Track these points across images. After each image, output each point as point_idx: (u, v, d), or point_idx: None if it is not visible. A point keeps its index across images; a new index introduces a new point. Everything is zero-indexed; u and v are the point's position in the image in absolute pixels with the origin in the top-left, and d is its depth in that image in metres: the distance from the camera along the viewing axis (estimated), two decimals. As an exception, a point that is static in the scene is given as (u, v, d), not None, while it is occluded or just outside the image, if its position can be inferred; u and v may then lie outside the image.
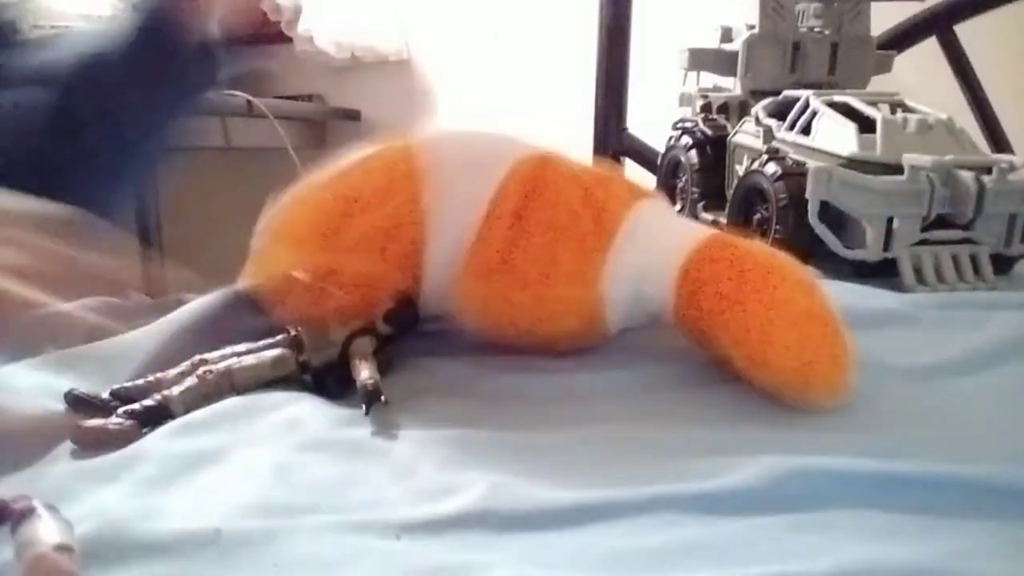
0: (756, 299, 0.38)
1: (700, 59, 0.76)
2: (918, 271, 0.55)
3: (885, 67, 0.76)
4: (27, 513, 0.23)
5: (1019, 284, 0.57)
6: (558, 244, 0.40)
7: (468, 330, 0.42)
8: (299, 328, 0.39)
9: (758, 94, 0.70)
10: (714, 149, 0.72)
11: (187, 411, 0.35)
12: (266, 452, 0.32)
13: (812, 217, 0.55)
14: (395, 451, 0.33)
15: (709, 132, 0.73)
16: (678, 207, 0.74)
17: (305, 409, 0.36)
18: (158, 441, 0.33)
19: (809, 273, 0.40)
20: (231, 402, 0.36)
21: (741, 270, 0.39)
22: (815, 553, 0.26)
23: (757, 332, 0.37)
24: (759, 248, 0.40)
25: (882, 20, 0.89)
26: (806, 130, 0.62)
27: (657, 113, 0.94)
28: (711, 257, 0.40)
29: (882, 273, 0.55)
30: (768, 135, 0.64)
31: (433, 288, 0.41)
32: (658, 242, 0.41)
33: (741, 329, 0.38)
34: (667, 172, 0.77)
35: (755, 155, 0.63)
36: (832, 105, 0.61)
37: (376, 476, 0.31)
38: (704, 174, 0.72)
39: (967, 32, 1.10)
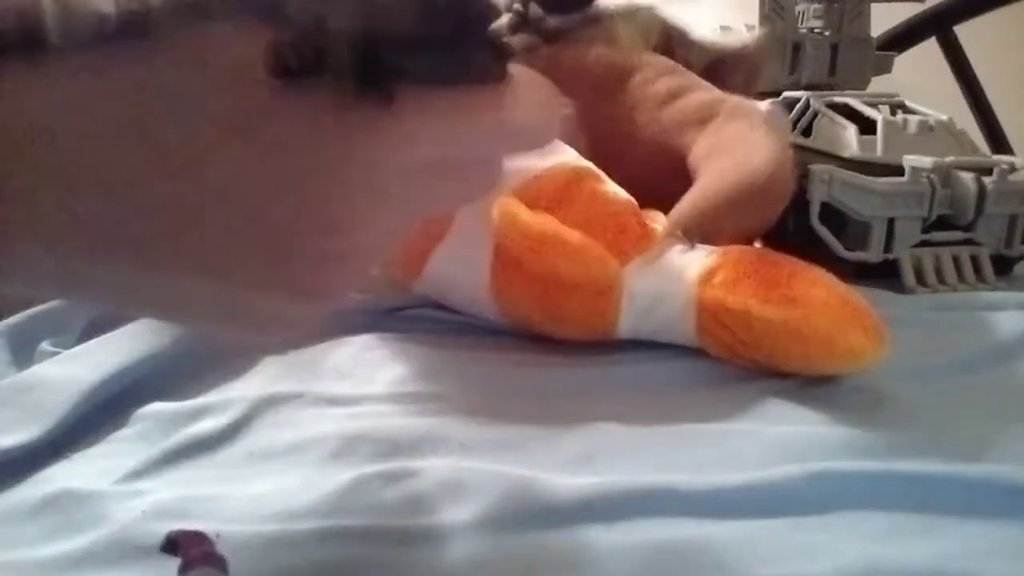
0: (785, 268, 0.40)
1: (700, 60, 0.76)
2: (919, 272, 0.55)
3: (885, 68, 0.76)
4: (194, 562, 0.22)
5: (1020, 285, 0.57)
6: (596, 227, 0.42)
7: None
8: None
9: (758, 95, 0.70)
10: (714, 150, 0.72)
11: None
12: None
13: (813, 219, 0.55)
14: (394, 449, 0.33)
15: (709, 133, 0.72)
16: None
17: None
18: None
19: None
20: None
21: (763, 263, 0.40)
22: (815, 553, 0.26)
23: (786, 282, 0.39)
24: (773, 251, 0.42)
25: (882, 21, 0.89)
26: (806, 131, 0.62)
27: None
28: (734, 259, 0.41)
29: (883, 274, 0.55)
30: (768, 136, 0.63)
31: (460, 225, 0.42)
32: (684, 254, 0.43)
33: (770, 284, 0.39)
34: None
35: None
36: (832, 106, 0.61)
37: (375, 476, 0.31)
38: (704, 175, 0.72)
39: (967, 32, 1.10)
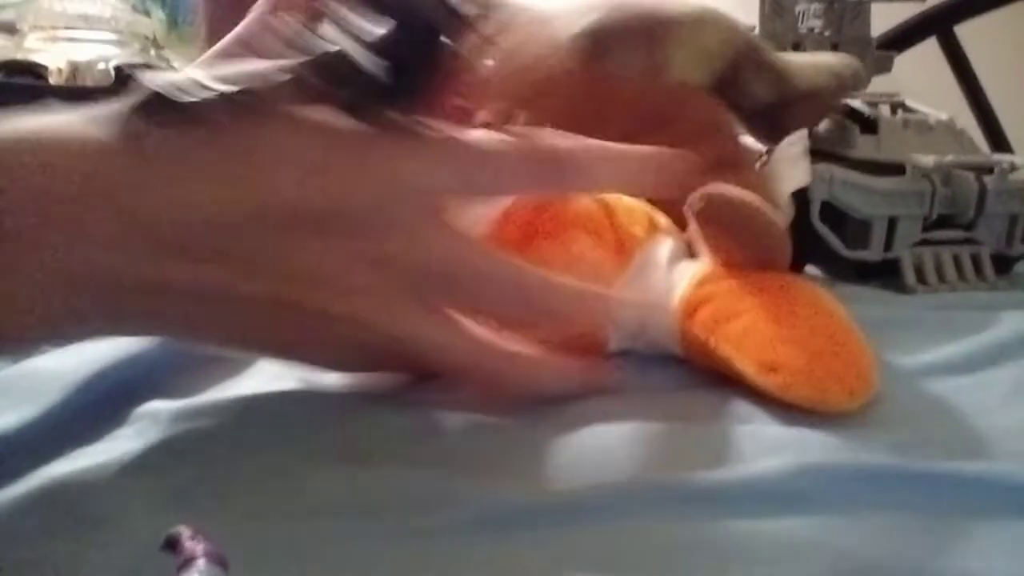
0: (764, 310, 0.38)
1: (701, 60, 0.76)
2: (919, 271, 0.55)
3: (885, 67, 0.76)
4: (194, 561, 0.22)
5: (1020, 284, 0.57)
6: (578, 244, 0.41)
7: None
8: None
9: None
10: (715, 150, 0.72)
11: None
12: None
13: (814, 217, 0.55)
14: (391, 448, 0.33)
15: (710, 133, 0.72)
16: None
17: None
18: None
19: (821, 290, 0.40)
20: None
21: (749, 286, 0.39)
22: (814, 554, 0.26)
23: (765, 339, 0.37)
24: (770, 273, 0.40)
25: (882, 20, 0.89)
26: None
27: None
28: (718, 276, 0.40)
29: (883, 273, 0.55)
30: (769, 136, 0.63)
31: None
32: (669, 273, 0.41)
33: (749, 337, 0.37)
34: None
35: (756, 156, 0.63)
36: (832, 105, 0.61)
37: (370, 477, 0.31)
38: (705, 175, 0.72)
39: (967, 32, 1.10)
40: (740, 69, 0.50)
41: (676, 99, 0.49)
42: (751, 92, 0.51)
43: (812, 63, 0.55)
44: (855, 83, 0.55)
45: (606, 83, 0.48)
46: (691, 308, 0.39)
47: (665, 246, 0.42)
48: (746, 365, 0.37)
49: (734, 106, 0.50)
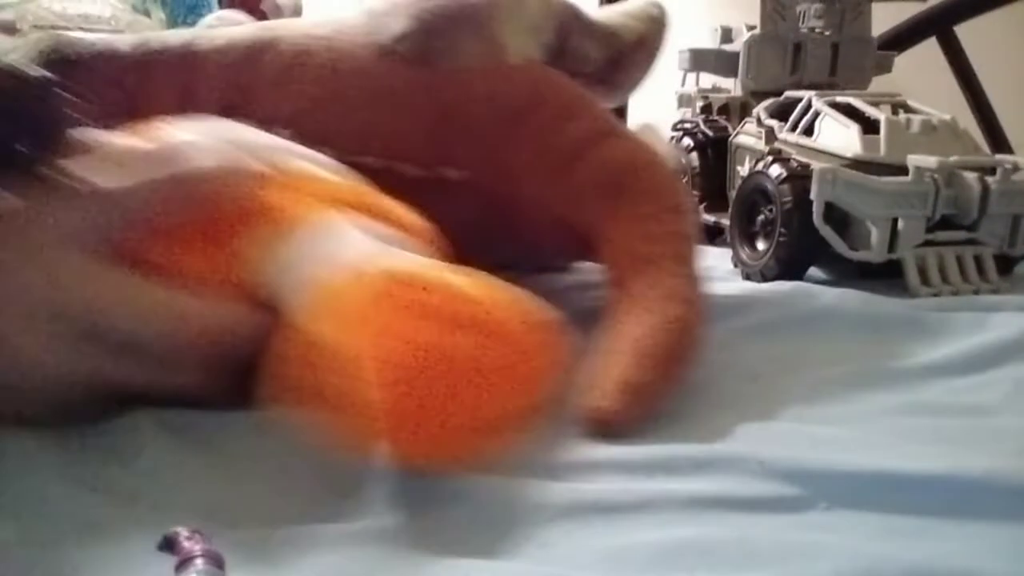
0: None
1: (701, 60, 0.76)
2: (923, 272, 0.55)
3: (885, 67, 0.76)
4: (191, 560, 0.22)
5: (1022, 285, 0.57)
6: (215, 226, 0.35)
7: None
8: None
9: (759, 95, 0.70)
10: (715, 150, 0.72)
11: None
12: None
13: (817, 219, 0.55)
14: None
15: (710, 133, 0.73)
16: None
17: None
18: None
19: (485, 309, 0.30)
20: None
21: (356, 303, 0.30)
22: (814, 554, 0.26)
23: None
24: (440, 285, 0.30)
25: (882, 20, 0.89)
26: (808, 131, 0.61)
27: (655, 114, 0.94)
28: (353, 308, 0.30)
29: (886, 274, 0.55)
30: (770, 136, 0.63)
31: None
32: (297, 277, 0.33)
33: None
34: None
35: (757, 156, 0.63)
36: (834, 106, 0.61)
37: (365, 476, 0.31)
38: (705, 176, 0.72)
39: (967, 32, 1.10)
40: (569, 34, 0.49)
41: (526, 91, 0.47)
42: (585, 55, 0.50)
43: (626, 13, 0.53)
44: (662, 32, 0.54)
45: (449, 81, 0.45)
46: (322, 308, 0.30)
47: (342, 225, 0.34)
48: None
49: (574, 73, 0.49)
